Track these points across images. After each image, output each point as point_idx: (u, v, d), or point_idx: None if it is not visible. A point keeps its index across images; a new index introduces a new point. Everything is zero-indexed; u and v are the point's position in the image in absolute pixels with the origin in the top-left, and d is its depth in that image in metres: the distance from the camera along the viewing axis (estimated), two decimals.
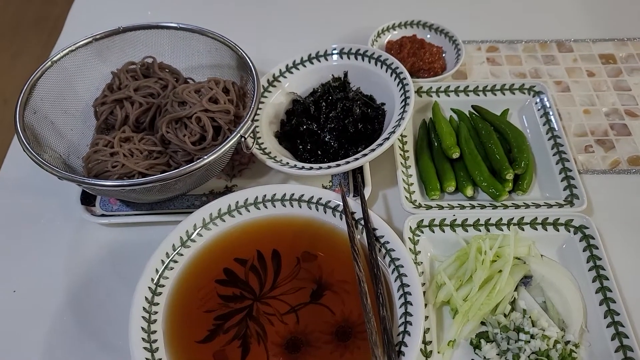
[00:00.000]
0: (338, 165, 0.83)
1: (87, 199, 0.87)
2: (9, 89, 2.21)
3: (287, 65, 1.00)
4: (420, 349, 0.70)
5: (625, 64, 1.10)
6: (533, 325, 0.72)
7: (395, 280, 0.73)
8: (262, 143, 0.90)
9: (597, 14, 1.22)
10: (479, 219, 0.81)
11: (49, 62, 0.86)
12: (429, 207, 0.84)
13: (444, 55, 1.08)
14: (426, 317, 0.72)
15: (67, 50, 0.88)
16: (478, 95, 1.00)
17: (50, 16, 2.59)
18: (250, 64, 0.86)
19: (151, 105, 0.87)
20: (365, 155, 0.83)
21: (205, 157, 0.75)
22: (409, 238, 0.80)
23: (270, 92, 0.98)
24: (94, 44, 0.91)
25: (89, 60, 0.91)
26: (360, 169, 0.88)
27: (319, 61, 1.00)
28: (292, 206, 0.82)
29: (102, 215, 0.86)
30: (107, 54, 0.92)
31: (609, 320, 0.72)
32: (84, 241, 0.86)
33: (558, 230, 0.81)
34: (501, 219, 0.81)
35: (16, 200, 0.92)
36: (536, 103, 0.98)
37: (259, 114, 0.94)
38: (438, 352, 0.71)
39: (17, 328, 0.77)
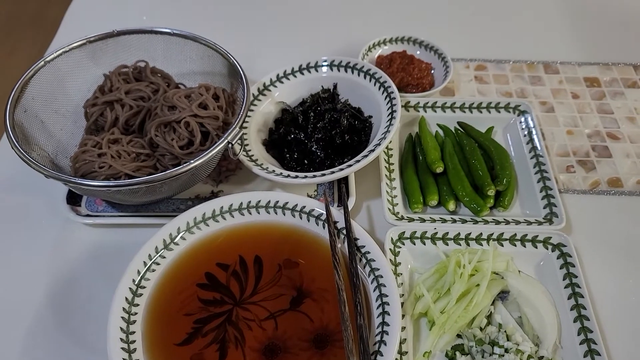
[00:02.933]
0: (323, 174, 0.84)
1: (73, 199, 0.88)
2: (3, 88, 2.21)
3: (278, 75, 1.01)
4: (396, 359, 0.71)
5: (609, 87, 1.12)
6: (508, 340, 0.73)
7: (374, 290, 0.74)
8: (250, 150, 0.91)
9: (584, 38, 1.25)
10: (459, 233, 0.83)
11: (42, 62, 0.86)
12: (411, 220, 0.85)
13: (432, 71, 1.10)
14: (403, 328, 0.73)
15: (61, 51, 0.89)
16: (464, 112, 1.02)
17: (47, 16, 2.60)
18: (241, 72, 0.87)
19: (141, 109, 0.88)
20: (350, 165, 0.84)
21: (192, 161, 0.76)
22: (390, 249, 0.81)
23: (259, 100, 0.99)
24: (87, 46, 0.92)
25: (82, 61, 0.92)
26: (345, 180, 0.90)
27: (309, 72, 1.01)
28: (276, 213, 0.83)
29: (87, 215, 0.87)
30: (100, 56, 0.93)
31: (582, 337, 0.73)
32: (68, 240, 0.86)
33: (536, 247, 0.82)
34: (481, 233, 0.82)
35: (2, 197, 0.92)
36: (521, 122, 1.00)
37: (247, 122, 0.96)
38: None
39: None
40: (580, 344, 0.72)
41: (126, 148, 0.83)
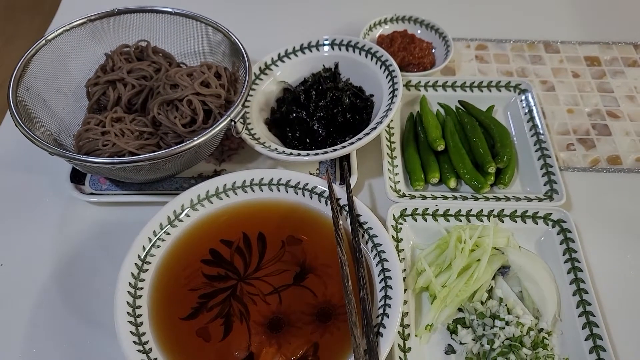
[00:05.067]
0: (325, 152, 0.85)
1: (77, 177, 0.88)
2: (2, 73, 2.20)
3: (279, 54, 1.01)
4: (398, 332, 0.72)
5: (609, 66, 1.13)
6: (509, 313, 0.74)
7: (377, 265, 0.75)
8: (252, 129, 0.91)
9: (585, 17, 1.25)
10: (460, 210, 0.83)
11: (43, 41, 0.86)
12: (412, 197, 0.86)
13: (433, 51, 1.10)
14: (405, 302, 0.74)
15: (62, 29, 0.89)
16: (465, 91, 1.02)
17: (46, 2, 2.58)
18: (243, 50, 0.87)
19: (144, 88, 0.88)
20: (352, 143, 0.85)
21: (195, 138, 0.76)
22: (392, 226, 0.82)
23: (261, 79, 0.99)
24: (88, 24, 0.91)
25: (83, 40, 0.92)
26: (347, 158, 0.90)
27: (311, 51, 1.01)
28: (279, 191, 0.84)
29: (92, 193, 0.87)
30: (101, 35, 0.93)
31: (581, 310, 0.74)
32: (72, 219, 0.87)
33: (537, 223, 0.83)
34: (482, 210, 0.83)
35: (6, 176, 0.93)
36: (521, 101, 1.00)
37: (249, 101, 0.96)
38: (415, 336, 0.73)
39: (3, 301, 0.79)
40: (579, 316, 0.74)
41: (129, 126, 0.83)
